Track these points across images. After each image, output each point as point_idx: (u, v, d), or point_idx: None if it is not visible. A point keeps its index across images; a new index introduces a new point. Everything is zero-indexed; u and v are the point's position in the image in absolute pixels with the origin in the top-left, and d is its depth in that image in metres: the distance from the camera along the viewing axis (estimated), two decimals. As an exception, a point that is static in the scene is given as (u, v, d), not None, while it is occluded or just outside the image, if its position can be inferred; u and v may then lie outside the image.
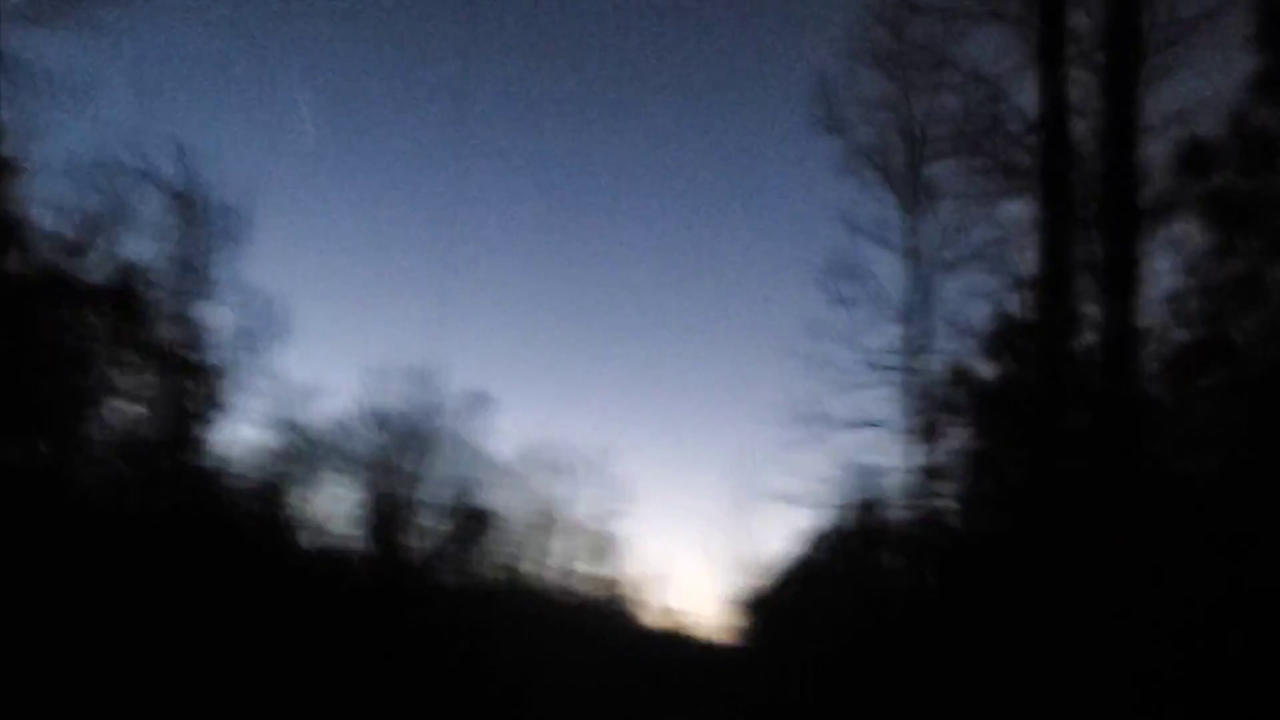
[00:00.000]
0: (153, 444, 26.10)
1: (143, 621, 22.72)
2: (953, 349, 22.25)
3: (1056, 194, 14.32)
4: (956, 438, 21.57)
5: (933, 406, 22.27)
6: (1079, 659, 14.20)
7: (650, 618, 69.12)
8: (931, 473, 21.63)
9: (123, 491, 25.73)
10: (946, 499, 21.77)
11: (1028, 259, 17.42)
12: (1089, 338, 14.26)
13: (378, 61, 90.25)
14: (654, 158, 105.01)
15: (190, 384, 25.67)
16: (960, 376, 20.97)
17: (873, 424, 24.54)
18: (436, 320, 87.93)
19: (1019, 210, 18.00)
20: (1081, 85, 14.30)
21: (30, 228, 22.58)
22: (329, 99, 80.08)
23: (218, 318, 27.73)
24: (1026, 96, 14.99)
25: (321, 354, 73.87)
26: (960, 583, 20.51)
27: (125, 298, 23.89)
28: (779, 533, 61.81)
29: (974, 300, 21.82)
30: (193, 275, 26.55)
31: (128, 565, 23.06)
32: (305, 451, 40.11)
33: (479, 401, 43.56)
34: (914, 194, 24.12)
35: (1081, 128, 14.29)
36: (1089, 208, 14.09)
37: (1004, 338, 18.54)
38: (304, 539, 39.28)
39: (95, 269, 24.19)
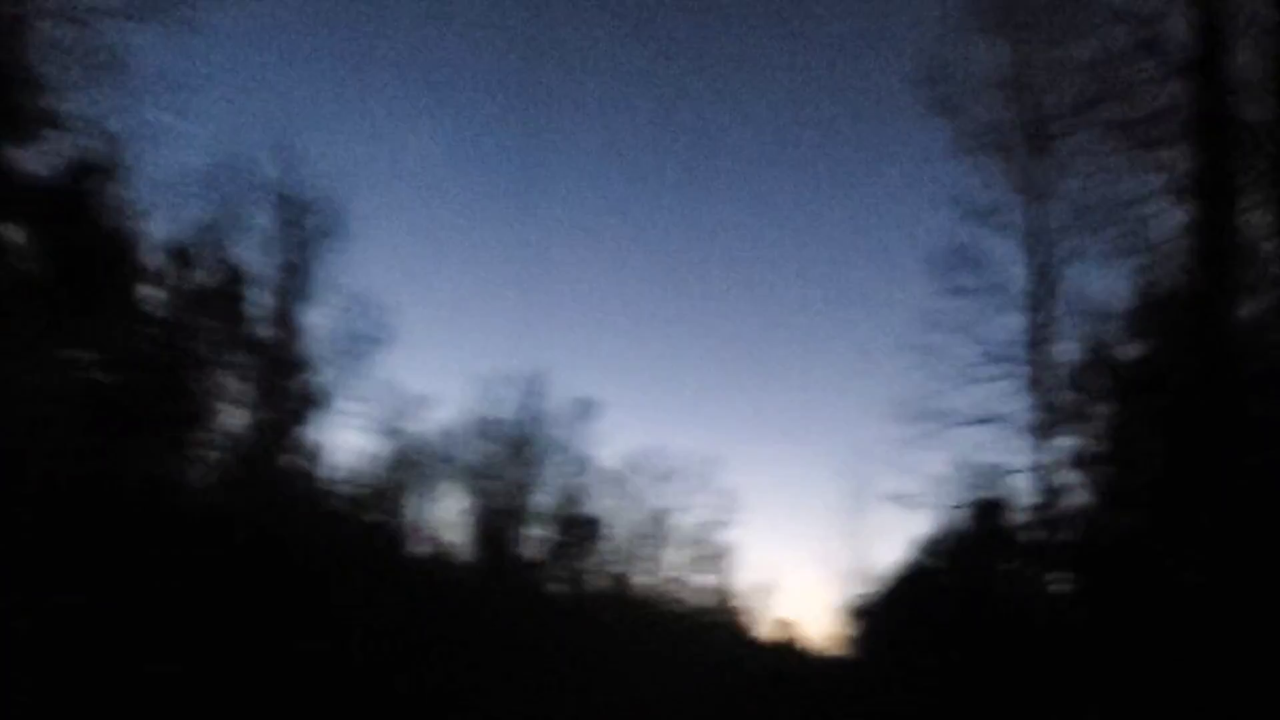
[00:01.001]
0: (260, 448, 25.56)
1: (251, 620, 22.07)
2: (1083, 334, 20.08)
3: (1215, 142, 12.33)
4: (1091, 429, 19.38)
5: (1062, 397, 20.16)
6: (1240, 672, 12.17)
7: (759, 628, 67.00)
8: (1061, 469, 19.41)
9: (232, 495, 25.24)
10: (1078, 497, 19.54)
11: (1172, 228, 15.36)
12: (1257, 306, 12.22)
13: (490, 71, 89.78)
14: (758, 152, 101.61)
15: (296, 387, 25.01)
16: (1096, 361, 18.79)
17: (993, 420, 22.51)
18: (543, 328, 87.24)
19: (1159, 177, 15.93)
20: (1245, 14, 12.27)
21: (139, 232, 22.26)
22: (439, 105, 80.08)
23: (323, 321, 27.22)
24: (1176, 32, 13.00)
25: (430, 363, 73.70)
26: (1096, 590, 18.36)
27: (233, 301, 23.36)
28: (893, 537, 58.07)
29: (1107, 279, 19.67)
30: (298, 278, 26.02)
31: (236, 566, 22.46)
32: (413, 459, 39.57)
33: (585, 409, 42.56)
34: (1034, 173, 22.04)
35: (1245, 65, 12.27)
36: (1255, 158, 12.04)
37: (1150, 314, 16.43)
38: (411, 546, 38.67)
39: (204, 273, 23.83)
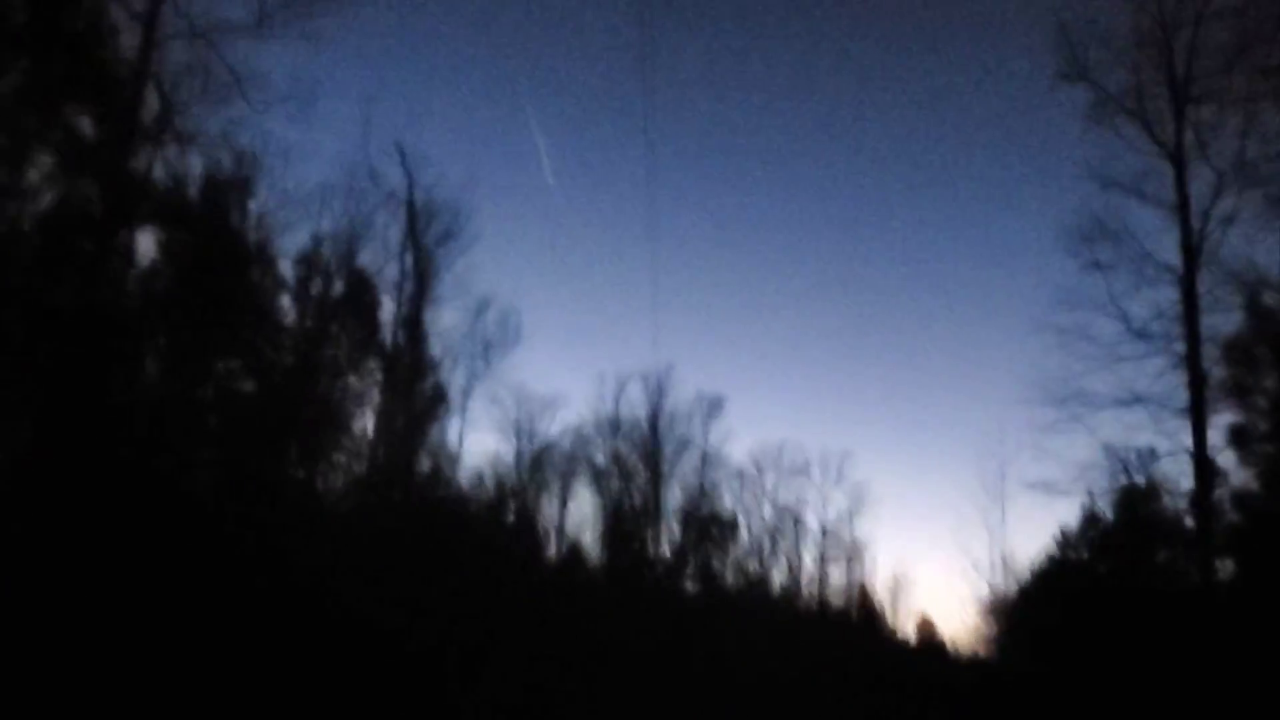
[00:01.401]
0: (395, 452, 25.93)
1: (390, 621, 22.30)
2: (1241, 303, 18.65)
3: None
4: (1253, 405, 17.94)
5: (1219, 372, 18.79)
6: None
7: (897, 625, 65.20)
8: (1219, 450, 17.99)
9: (370, 499, 25.67)
10: (1240, 479, 18.11)
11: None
12: None
13: (612, 69, 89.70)
14: (887, 129, 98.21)
15: (428, 391, 25.28)
16: (1257, 330, 17.35)
17: (1142, 400, 21.23)
18: (668, 325, 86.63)
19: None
20: None
21: (272, 243, 22.81)
22: (561, 107, 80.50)
23: (453, 325, 27.52)
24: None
25: (559, 364, 74.17)
26: (1265, 578, 16.94)
27: (363, 308, 23.73)
28: (1036, 529, 55.37)
29: (1265, 242, 18.23)
30: (425, 283, 26.35)
31: (374, 570, 22.75)
32: (544, 460, 39.80)
33: (713, 405, 42.13)
34: (1181, 135, 20.68)
35: None
36: None
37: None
38: (544, 546, 38.87)
39: (335, 281, 24.30)
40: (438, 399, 25.12)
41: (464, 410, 30.91)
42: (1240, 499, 16.71)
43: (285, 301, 23.16)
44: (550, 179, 73.97)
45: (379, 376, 24.18)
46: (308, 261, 22.22)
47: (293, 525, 21.18)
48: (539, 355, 79.41)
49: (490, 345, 30.76)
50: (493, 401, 37.81)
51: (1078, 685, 27.57)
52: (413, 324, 24.46)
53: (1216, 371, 19.63)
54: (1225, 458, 18.91)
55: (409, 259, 26.16)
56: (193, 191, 20.58)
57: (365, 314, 23.20)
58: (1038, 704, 35.10)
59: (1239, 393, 18.37)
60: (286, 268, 23.19)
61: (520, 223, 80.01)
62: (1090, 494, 23.93)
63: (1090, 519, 27.25)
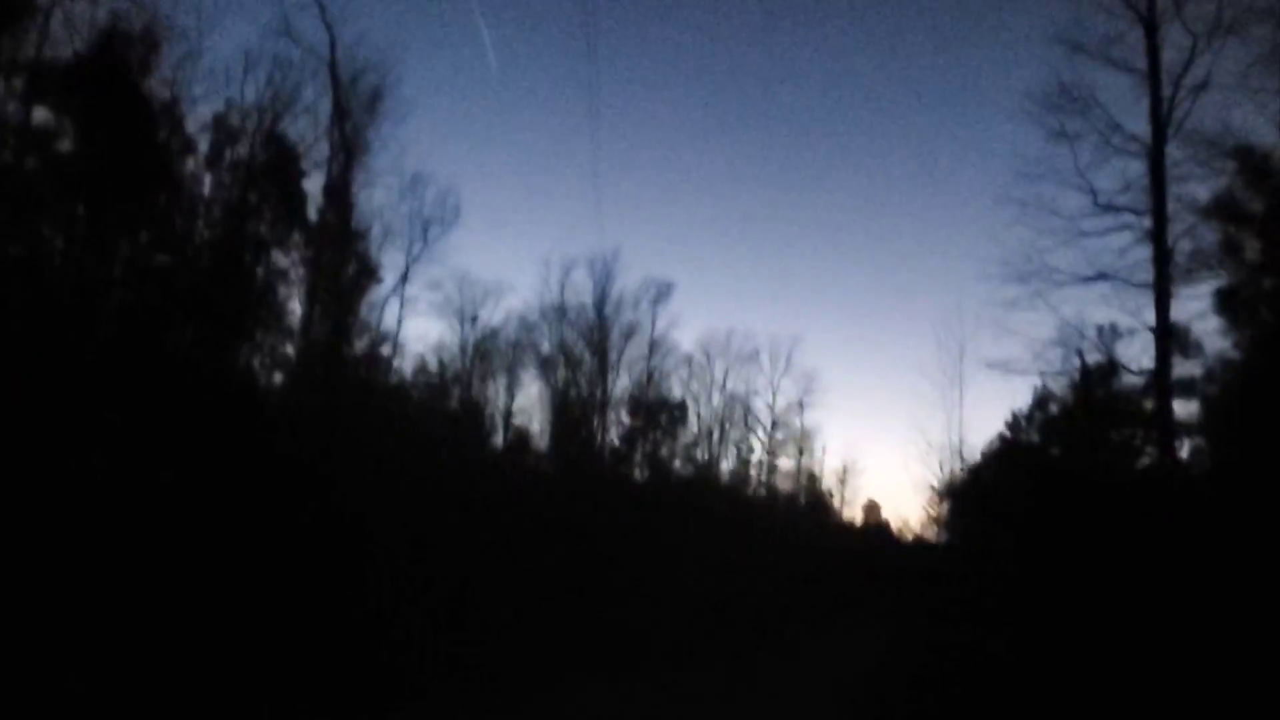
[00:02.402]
0: (327, 334, 24.49)
1: (325, 513, 21.18)
2: (1218, 170, 17.64)
3: None
4: (1228, 275, 17.10)
5: (1191, 243, 17.89)
6: None
7: (846, 512, 65.72)
8: (1219, 310, 16.90)
9: (302, 384, 24.32)
10: (1209, 357, 17.39)
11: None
12: None
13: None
14: None
15: (361, 271, 23.73)
16: (1233, 199, 16.42)
17: (1105, 276, 20.37)
18: (613, 209, 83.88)
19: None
20: None
21: (179, 104, 20.89)
22: None
23: (387, 203, 25.88)
24: None
25: (500, 249, 71.89)
26: (1236, 456, 16.28)
27: (287, 179, 21.96)
28: (992, 411, 54.81)
29: (1242, 109, 17.17)
30: (355, 156, 24.59)
31: (307, 458, 21.54)
32: (488, 347, 38.60)
33: (661, 290, 40.95)
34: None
35: None
36: None
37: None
38: (489, 433, 37.95)
39: (256, 150, 22.45)
40: (366, 272, 23.50)
41: (402, 293, 29.48)
42: (1212, 374, 15.92)
43: (198, 170, 21.28)
44: (493, 63, 70.86)
45: (307, 253, 22.55)
46: (224, 127, 20.35)
47: (215, 410, 19.83)
48: (483, 242, 77.23)
49: (428, 224, 29.21)
50: (433, 285, 36.43)
51: (1023, 568, 27.38)
52: (339, 191, 22.66)
53: (1184, 245, 18.78)
54: (1206, 326, 17.87)
55: (338, 131, 24.36)
56: (92, 48, 18.63)
57: (289, 185, 21.41)
58: (968, 579, 35.25)
59: (1210, 266, 17.48)
60: (202, 136, 21.44)
61: (463, 109, 76.91)
62: (1042, 374, 23.20)
63: (1042, 399, 26.70)
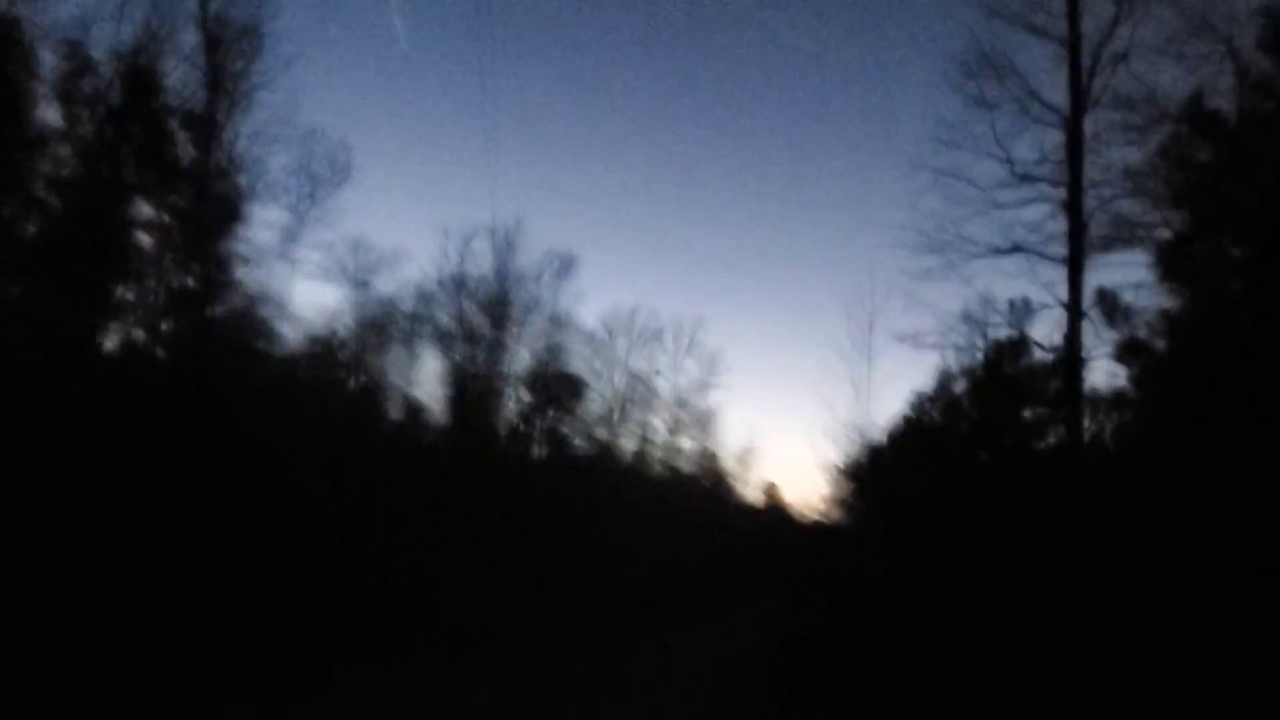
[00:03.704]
0: (199, 295, 22.26)
1: (198, 496, 19.11)
2: (1139, 139, 16.84)
3: None
4: (1151, 245, 16.28)
5: (1109, 213, 17.10)
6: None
7: (746, 493, 65.10)
8: (1163, 276, 16.06)
9: (172, 350, 22.09)
10: (1127, 330, 16.58)
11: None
12: None
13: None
14: None
15: (237, 228, 21.54)
16: (1161, 166, 15.56)
17: (1020, 249, 19.56)
18: (514, 179, 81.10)
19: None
20: None
21: (51, 45, 18.53)
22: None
23: (268, 155, 23.63)
24: None
25: (395, 216, 68.81)
26: (1140, 440, 15.51)
27: (148, 115, 19.65)
28: (905, 385, 53.28)
29: (1166, 78, 16.37)
30: (232, 105, 22.38)
31: (176, 429, 19.42)
32: (382, 318, 36.50)
33: (563, 264, 39.26)
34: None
35: None
36: None
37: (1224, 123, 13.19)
38: (382, 409, 35.91)
39: (119, 92, 20.11)
40: (227, 213, 21.16)
41: (289, 254, 27.36)
42: (1129, 349, 15.01)
43: (55, 115, 18.86)
44: (403, 41, 68.07)
45: (179, 206, 20.28)
46: (78, 55, 18.01)
47: (66, 380, 17.61)
48: (384, 213, 73.93)
49: (317, 181, 27.13)
50: (322, 247, 34.13)
51: (915, 553, 26.64)
52: (200, 123, 20.31)
53: (1100, 217, 18.01)
54: (1129, 301, 16.98)
55: (212, 77, 22.09)
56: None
57: (152, 123, 19.15)
58: (866, 559, 34.58)
59: (1133, 237, 16.64)
60: (61, 75, 19.06)
61: (368, 81, 73.63)
62: (950, 350, 22.34)
63: (945, 378, 25.94)
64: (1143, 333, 15.00)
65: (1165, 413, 12.82)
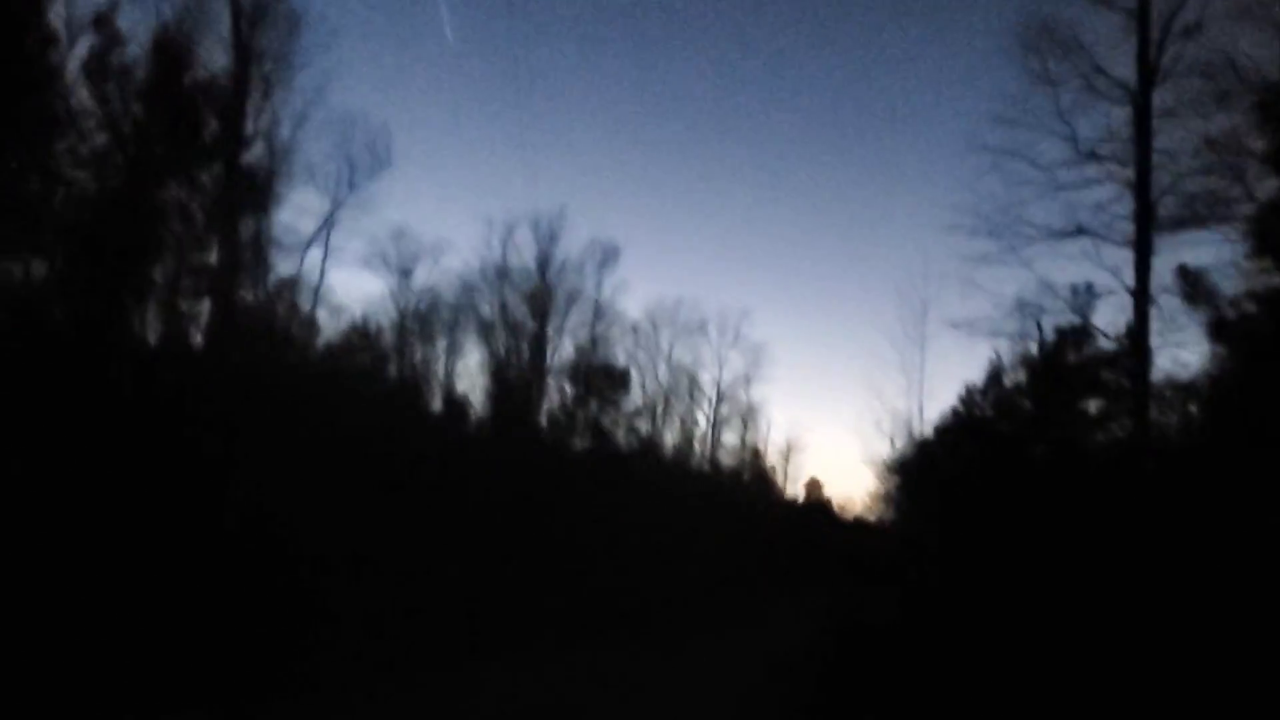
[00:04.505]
0: (242, 286, 21.71)
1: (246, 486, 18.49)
2: (1209, 114, 15.65)
3: None
4: (1229, 222, 15.07)
5: (1178, 194, 15.92)
6: None
7: (791, 488, 63.85)
8: (1185, 283, 15.08)
9: (218, 343, 21.50)
10: (1212, 311, 15.32)
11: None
12: None
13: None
14: None
15: (262, 201, 20.92)
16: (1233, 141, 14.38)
17: (1083, 232, 18.38)
18: (558, 170, 79.54)
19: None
20: None
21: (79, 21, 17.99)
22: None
23: (303, 135, 23.03)
24: None
25: (440, 207, 67.87)
26: (1225, 428, 14.29)
27: (178, 94, 19.05)
28: (959, 375, 50.84)
29: (1242, 46, 15.13)
30: (268, 85, 21.80)
31: (222, 419, 18.82)
32: (426, 308, 35.97)
33: (607, 254, 38.44)
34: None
35: None
36: None
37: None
38: (426, 400, 35.37)
39: (158, 72, 19.54)
40: (259, 194, 20.46)
41: (327, 241, 26.86)
42: (1225, 325, 13.78)
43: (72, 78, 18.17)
44: (448, 32, 67.60)
45: (218, 193, 19.65)
46: (105, 30, 17.42)
47: (111, 375, 17.02)
48: (425, 203, 73.28)
49: (355, 167, 26.56)
50: (363, 235, 33.74)
51: (964, 553, 25.41)
52: (228, 99, 19.61)
53: (1170, 197, 16.78)
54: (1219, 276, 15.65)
55: (255, 61, 21.54)
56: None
57: (182, 101, 18.53)
58: (915, 560, 33.20)
59: (1209, 215, 15.42)
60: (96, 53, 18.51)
61: (414, 71, 73.11)
62: (1005, 338, 21.07)
63: (997, 370, 24.69)
64: (1230, 313, 13.79)
65: (1258, 397, 11.66)
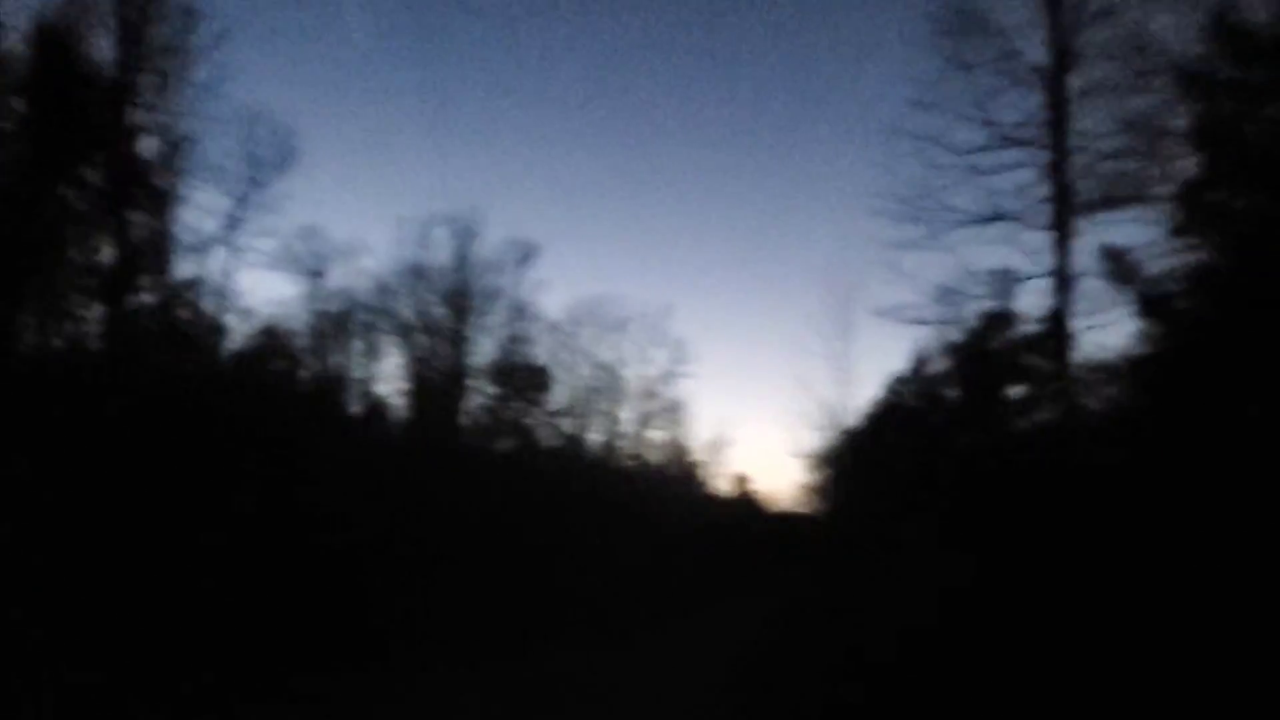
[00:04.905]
0: (121, 283, 20.43)
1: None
2: (1126, 96, 15.58)
3: None
4: (1144, 217, 15.01)
5: (1097, 176, 15.84)
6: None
7: (716, 484, 63.63)
8: (1110, 263, 14.98)
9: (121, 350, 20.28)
10: (1118, 299, 15.28)
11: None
12: None
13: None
14: None
15: (157, 199, 19.77)
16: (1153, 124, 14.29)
17: (1003, 217, 18.27)
18: (473, 166, 77.66)
19: None
20: None
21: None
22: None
23: (201, 131, 21.84)
24: None
25: (349, 205, 65.77)
26: (1141, 413, 14.20)
27: (69, 91, 17.88)
28: (884, 364, 50.31)
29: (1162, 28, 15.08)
30: (164, 79, 20.62)
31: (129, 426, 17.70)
32: (339, 309, 34.83)
33: (524, 252, 37.56)
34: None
35: None
36: None
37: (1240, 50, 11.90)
38: (343, 404, 34.24)
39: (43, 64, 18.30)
40: (154, 191, 19.33)
41: (230, 241, 25.59)
42: (1154, 303, 13.59)
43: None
44: (360, 34, 65.94)
45: (96, 180, 18.46)
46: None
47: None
48: (338, 205, 71.10)
49: (261, 165, 25.33)
50: (272, 236, 32.38)
51: (898, 534, 25.33)
52: (123, 96, 18.47)
53: (1090, 179, 16.72)
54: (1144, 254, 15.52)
55: (148, 54, 20.36)
56: None
57: (68, 94, 17.33)
58: (842, 551, 33.12)
59: (1130, 196, 15.35)
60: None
61: (304, 44, 70.55)
62: (923, 329, 20.89)
63: (922, 358, 24.61)
64: (1154, 292, 13.67)
65: (1184, 375, 11.52)
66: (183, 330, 22.75)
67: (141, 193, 19.36)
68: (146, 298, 21.02)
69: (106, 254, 19.78)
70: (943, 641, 14.50)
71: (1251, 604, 9.78)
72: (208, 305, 24.85)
